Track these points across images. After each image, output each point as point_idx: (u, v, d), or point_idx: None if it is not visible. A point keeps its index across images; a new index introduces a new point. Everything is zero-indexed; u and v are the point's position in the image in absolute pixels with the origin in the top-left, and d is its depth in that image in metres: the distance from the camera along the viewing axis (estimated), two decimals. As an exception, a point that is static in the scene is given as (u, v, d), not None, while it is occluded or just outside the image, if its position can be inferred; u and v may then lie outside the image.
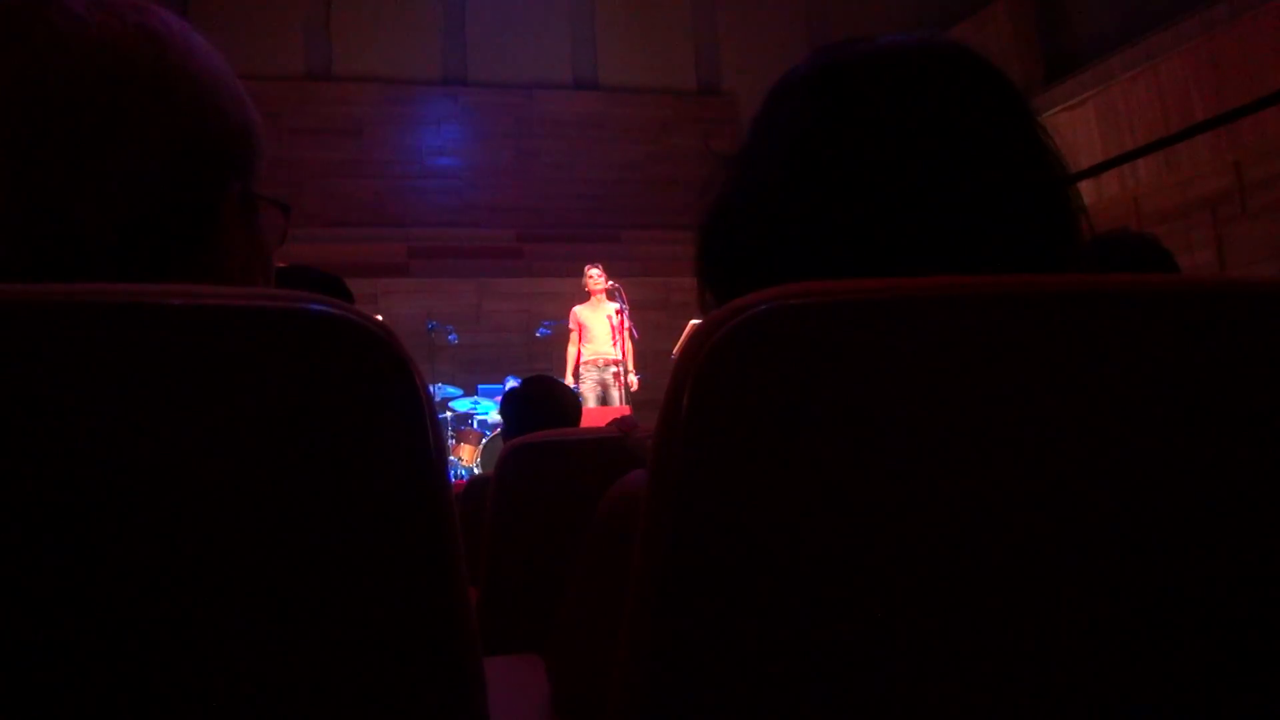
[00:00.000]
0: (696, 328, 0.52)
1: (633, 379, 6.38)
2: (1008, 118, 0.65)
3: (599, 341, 6.41)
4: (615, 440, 1.46)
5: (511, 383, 6.75)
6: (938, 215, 0.61)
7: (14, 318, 0.42)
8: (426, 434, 0.46)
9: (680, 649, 0.52)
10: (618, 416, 1.54)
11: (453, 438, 6.33)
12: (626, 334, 6.33)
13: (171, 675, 0.46)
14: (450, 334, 6.96)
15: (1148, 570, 0.55)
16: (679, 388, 0.50)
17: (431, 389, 5.03)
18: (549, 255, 8.16)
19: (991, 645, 0.53)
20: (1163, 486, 0.54)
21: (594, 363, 6.40)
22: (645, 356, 6.87)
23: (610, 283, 6.45)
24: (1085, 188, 5.81)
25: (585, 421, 2.75)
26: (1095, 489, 0.53)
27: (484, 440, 6.27)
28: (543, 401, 2.20)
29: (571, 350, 6.60)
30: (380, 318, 0.48)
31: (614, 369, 6.32)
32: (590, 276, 6.55)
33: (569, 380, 6.35)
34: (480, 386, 6.97)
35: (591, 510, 1.02)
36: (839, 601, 0.51)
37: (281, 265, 1.06)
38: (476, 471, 5.97)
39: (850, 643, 0.51)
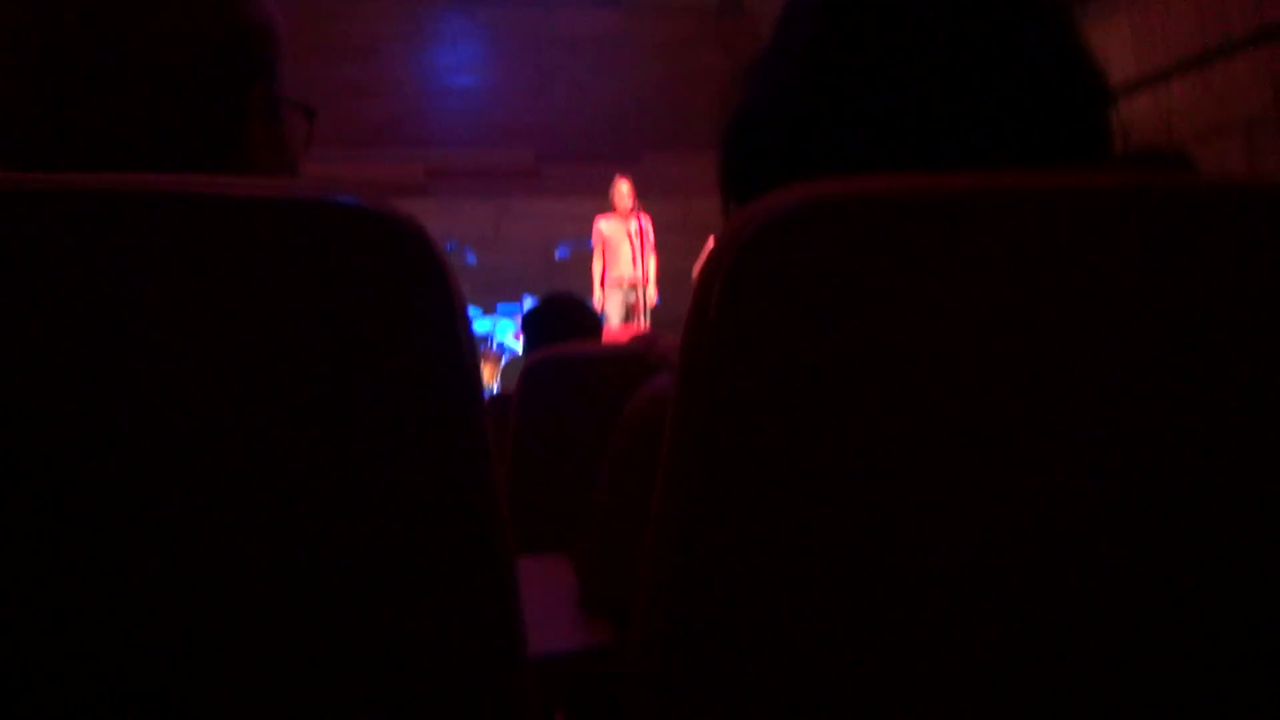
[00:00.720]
0: (725, 226, 0.52)
1: (652, 294, 6.34)
2: (1041, 14, 0.63)
3: (623, 261, 6.36)
4: (638, 355, 1.46)
5: (529, 302, 6.75)
6: (962, 115, 0.60)
7: (47, 207, 0.42)
8: (458, 326, 0.46)
9: (705, 547, 0.53)
10: (640, 333, 1.55)
11: (473, 357, 6.35)
12: (649, 253, 6.28)
13: (203, 560, 0.47)
14: (468, 255, 6.94)
15: (1184, 474, 0.55)
16: (708, 284, 0.50)
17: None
18: (568, 175, 8.08)
19: (1021, 539, 0.53)
20: (1197, 392, 0.54)
21: (617, 283, 6.36)
22: (664, 277, 6.84)
23: (635, 201, 6.36)
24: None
25: (607, 341, 2.76)
26: (1127, 392, 0.53)
27: (504, 360, 6.31)
28: (564, 318, 2.20)
29: (596, 265, 6.51)
30: None
31: (637, 290, 6.29)
32: (619, 192, 6.43)
33: (599, 294, 6.30)
34: (499, 306, 6.98)
35: (613, 424, 1.03)
36: (869, 498, 0.51)
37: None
38: (496, 391, 6.02)
39: (880, 541, 0.52)
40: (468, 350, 0.48)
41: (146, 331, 0.43)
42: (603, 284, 6.43)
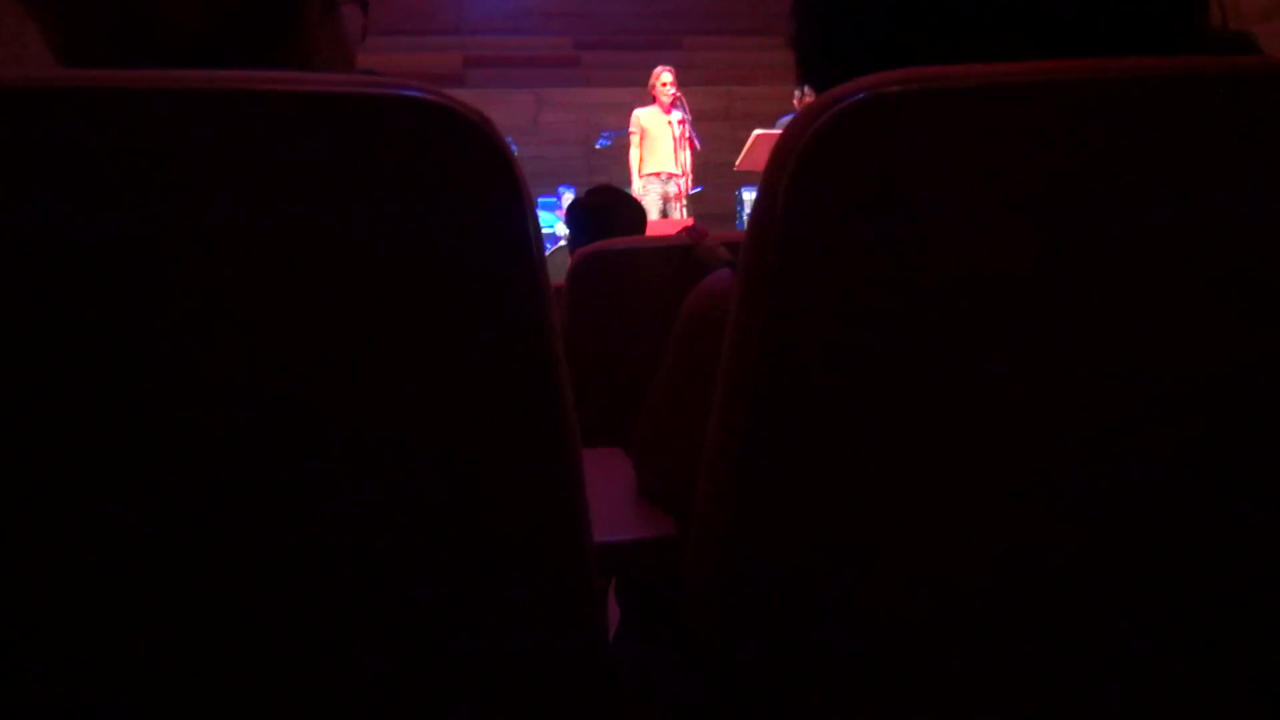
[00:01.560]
0: (794, 117, 0.51)
1: (688, 185, 6.25)
2: None
3: (661, 153, 6.25)
4: (685, 248, 1.46)
5: (566, 193, 6.68)
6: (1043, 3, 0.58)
7: (120, 102, 0.43)
8: (526, 218, 0.46)
9: (766, 445, 0.54)
10: (687, 225, 1.54)
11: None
12: (688, 144, 6.16)
13: (283, 457, 0.49)
14: (510, 145, 6.87)
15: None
16: (775, 177, 0.50)
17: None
18: (607, 64, 7.91)
19: (1090, 442, 0.53)
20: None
21: (656, 175, 6.26)
22: (706, 169, 6.73)
23: (676, 92, 6.20)
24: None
25: (648, 233, 2.74)
26: (1209, 285, 0.52)
27: (546, 252, 6.30)
28: (610, 211, 2.19)
29: (634, 154, 6.39)
30: None
31: (676, 182, 6.20)
32: (662, 83, 6.26)
33: (637, 185, 6.21)
34: (539, 199, 6.94)
35: (662, 316, 1.03)
36: (935, 396, 0.52)
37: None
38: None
39: (948, 443, 0.52)
40: (535, 242, 0.48)
41: (220, 226, 0.44)
42: (640, 174, 6.32)
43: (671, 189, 6.24)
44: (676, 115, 6.16)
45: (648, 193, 6.19)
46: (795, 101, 5.26)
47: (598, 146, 7.12)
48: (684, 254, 1.46)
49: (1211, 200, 0.51)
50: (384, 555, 0.52)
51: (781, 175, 0.49)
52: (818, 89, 0.67)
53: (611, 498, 0.77)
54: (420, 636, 0.55)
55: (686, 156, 6.21)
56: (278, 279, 0.46)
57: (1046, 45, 0.57)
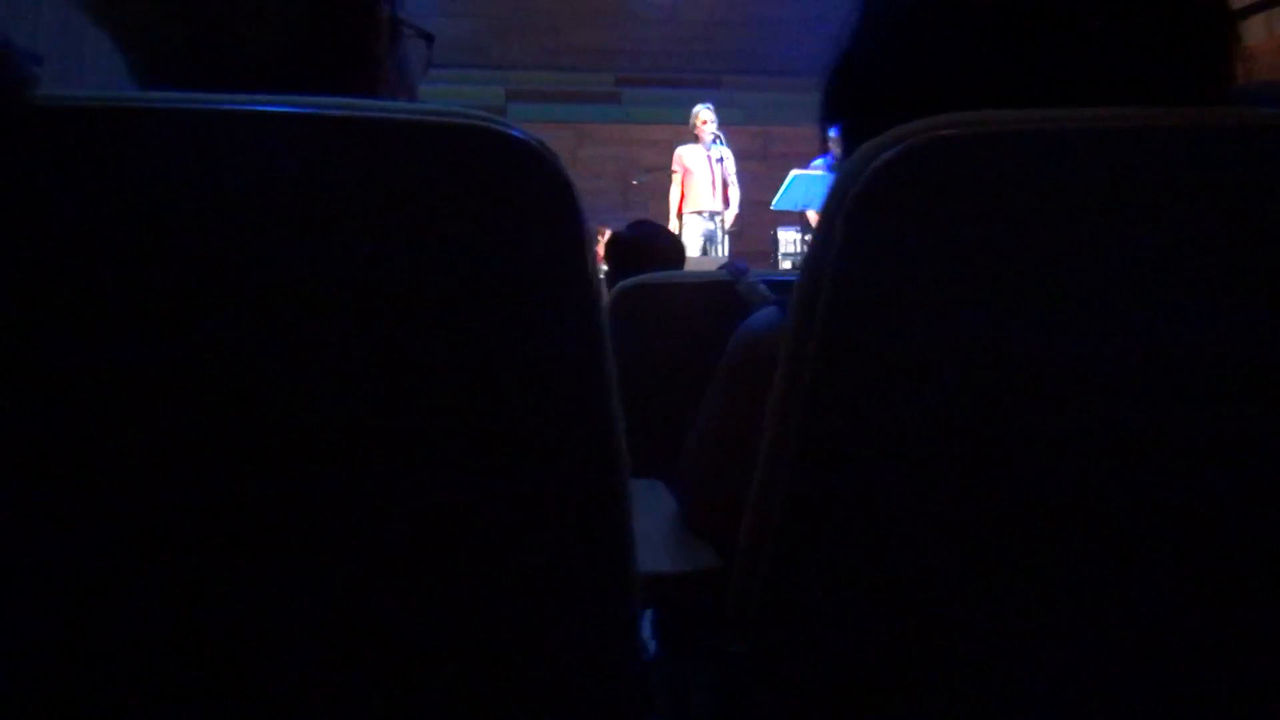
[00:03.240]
0: (851, 159, 0.51)
1: (730, 220, 6.25)
2: None
3: (702, 189, 6.27)
4: (726, 284, 1.46)
5: (608, 229, 6.71)
6: (1084, 48, 0.59)
7: (207, 125, 0.44)
8: (584, 247, 0.47)
9: (815, 482, 0.54)
10: (728, 261, 1.55)
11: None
12: (730, 183, 6.18)
13: (347, 467, 0.50)
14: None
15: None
16: (831, 218, 0.50)
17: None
18: (647, 100, 7.99)
19: (1148, 458, 0.53)
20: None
21: (698, 213, 6.28)
22: (743, 207, 6.76)
23: (716, 129, 6.23)
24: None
25: (687, 269, 2.75)
26: (1255, 331, 0.52)
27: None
28: (649, 245, 2.20)
29: (674, 193, 6.40)
30: None
31: (717, 218, 6.21)
32: (702, 120, 6.28)
33: (674, 223, 6.23)
34: (577, 234, 6.96)
35: (702, 351, 1.03)
36: (986, 434, 0.52)
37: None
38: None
39: (999, 476, 0.52)
40: (593, 272, 0.49)
41: (291, 247, 0.45)
42: (680, 212, 6.34)
43: (712, 225, 6.26)
44: (717, 153, 6.19)
45: (689, 228, 6.21)
46: (830, 143, 5.27)
47: (636, 182, 7.16)
48: (724, 289, 1.47)
49: (1261, 242, 0.51)
50: (435, 580, 0.52)
51: (838, 216, 0.50)
52: (847, 130, 0.68)
53: (654, 529, 0.78)
54: (463, 661, 0.56)
55: (729, 193, 6.20)
56: (341, 303, 0.47)
57: (1082, 96, 0.57)
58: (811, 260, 0.51)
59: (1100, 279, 0.51)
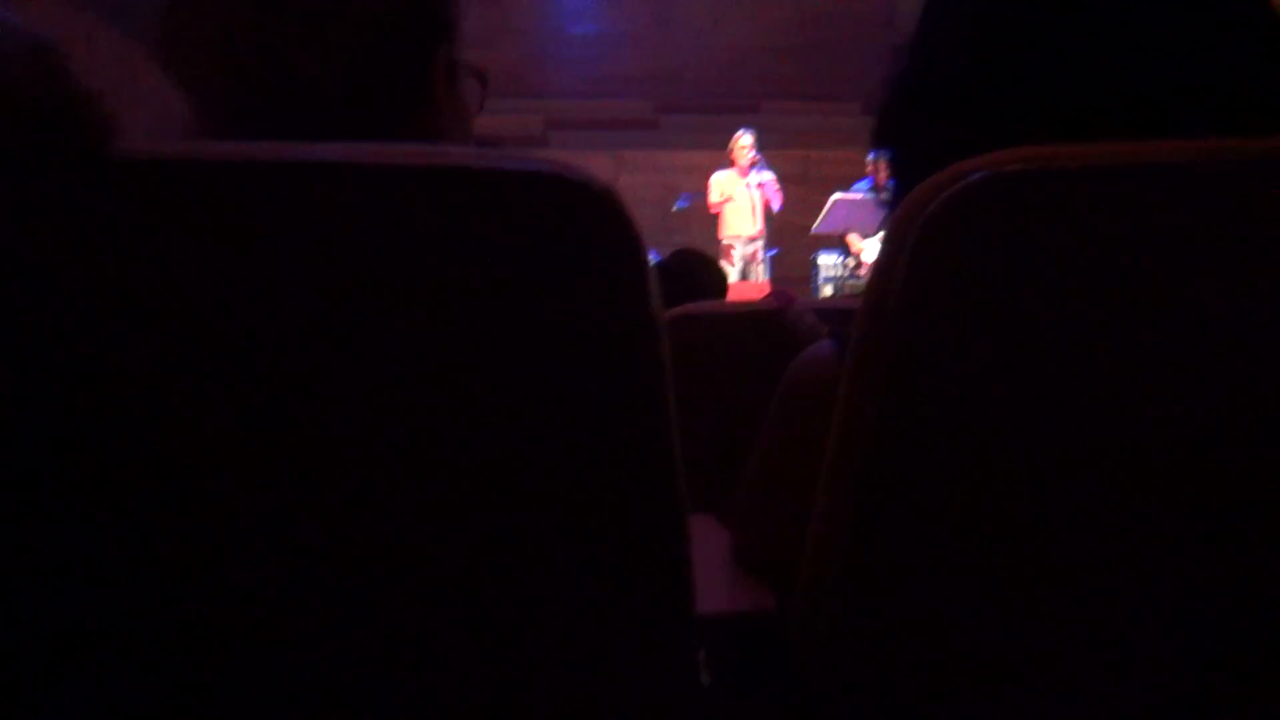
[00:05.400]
0: (911, 196, 0.51)
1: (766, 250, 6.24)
2: None
3: (741, 215, 6.27)
4: (773, 313, 1.46)
5: (650, 255, 6.72)
6: (1142, 77, 0.58)
7: (277, 174, 0.45)
8: (648, 290, 0.47)
9: (876, 519, 0.53)
10: (774, 290, 1.54)
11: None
12: (766, 208, 6.17)
13: (402, 511, 0.50)
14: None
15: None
16: (893, 255, 0.50)
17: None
18: (686, 126, 8.02)
19: (1212, 504, 0.52)
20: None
21: (737, 238, 6.29)
22: (783, 231, 6.75)
23: (755, 154, 6.23)
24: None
25: (729, 297, 2.76)
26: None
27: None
28: (693, 275, 2.21)
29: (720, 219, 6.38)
30: None
31: (755, 245, 6.21)
32: (741, 145, 6.29)
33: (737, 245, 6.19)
34: (616, 259, 6.97)
35: (750, 382, 1.03)
36: (1050, 471, 0.51)
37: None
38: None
39: (1061, 513, 0.52)
40: (657, 312, 0.49)
41: (369, 294, 0.46)
42: (722, 236, 6.34)
43: (750, 250, 6.26)
44: (754, 179, 6.19)
45: (728, 255, 6.22)
46: (869, 167, 5.26)
47: (675, 209, 7.19)
48: (771, 319, 1.47)
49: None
50: (496, 621, 0.52)
51: (901, 250, 0.49)
52: (895, 157, 0.68)
53: (708, 567, 0.77)
54: (523, 701, 0.55)
55: (776, 204, 6.15)
56: (415, 349, 0.47)
57: (1142, 126, 0.57)
58: (873, 295, 0.51)
59: (1165, 315, 0.50)
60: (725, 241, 6.30)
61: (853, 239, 6.05)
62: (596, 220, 0.46)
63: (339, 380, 0.47)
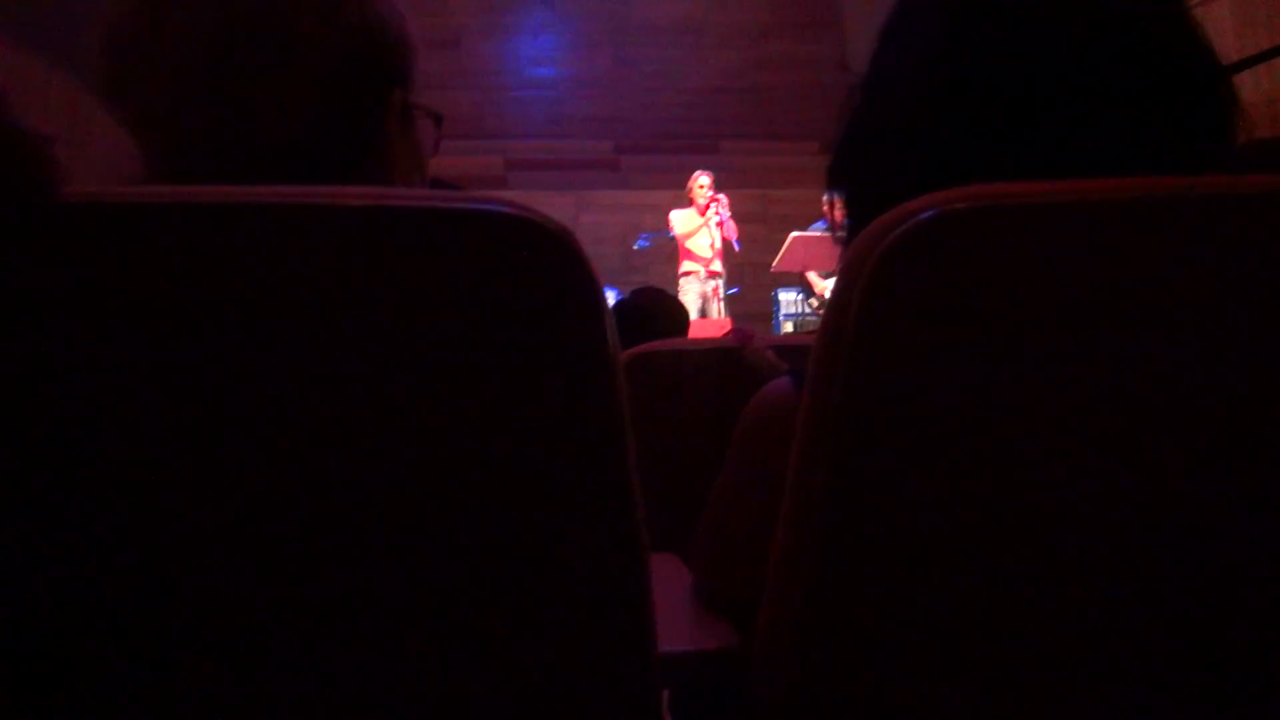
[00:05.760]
0: (862, 235, 0.52)
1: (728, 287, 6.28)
2: (1157, 8, 0.62)
3: (699, 252, 6.32)
4: (732, 350, 1.47)
5: (610, 295, 6.75)
6: (1086, 116, 0.60)
7: (226, 218, 0.45)
8: (605, 330, 0.48)
9: (835, 555, 0.53)
10: (734, 327, 1.55)
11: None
12: (724, 243, 6.22)
13: (363, 554, 0.50)
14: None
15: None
16: (846, 294, 0.51)
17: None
18: (646, 167, 8.09)
19: (1173, 542, 0.53)
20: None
21: (694, 274, 6.32)
22: (743, 269, 6.80)
23: (713, 194, 6.28)
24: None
25: (689, 334, 2.77)
26: (1261, 397, 0.52)
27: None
28: (654, 312, 2.21)
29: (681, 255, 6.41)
30: None
31: (714, 282, 6.25)
32: (700, 185, 6.35)
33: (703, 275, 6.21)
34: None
35: (710, 419, 1.03)
36: (1005, 507, 0.51)
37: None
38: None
39: (1021, 553, 0.52)
40: (614, 352, 0.49)
41: (321, 336, 0.46)
42: (680, 273, 6.38)
43: (709, 287, 6.29)
44: (715, 217, 6.24)
45: (687, 291, 6.24)
46: (825, 206, 5.32)
47: (636, 248, 7.23)
48: (731, 356, 1.47)
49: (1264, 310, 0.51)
50: (452, 662, 0.52)
51: (854, 287, 0.50)
52: (849, 196, 0.69)
53: (670, 605, 0.77)
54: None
55: (733, 231, 6.19)
56: (368, 389, 0.47)
57: (1085, 165, 0.58)
58: (827, 333, 0.52)
59: (1109, 345, 0.51)
60: (684, 276, 6.32)
61: (813, 276, 6.11)
62: (552, 260, 0.46)
63: (291, 422, 0.46)
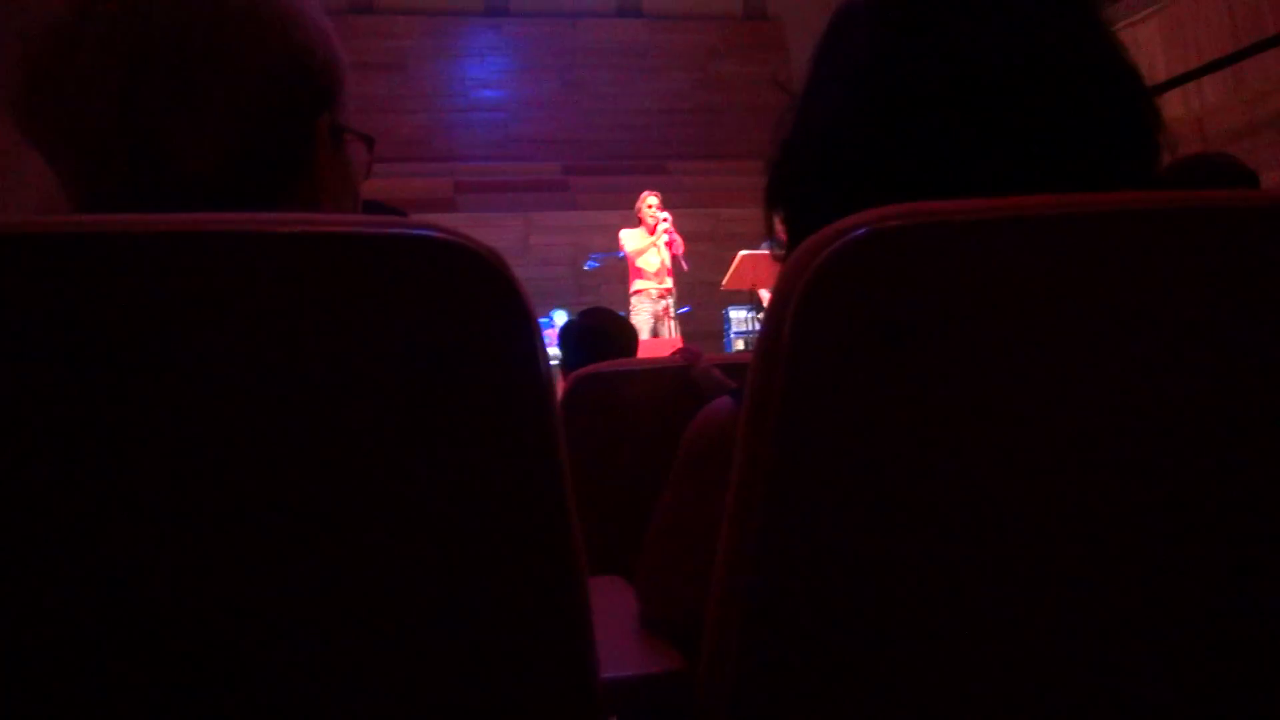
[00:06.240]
0: (796, 252, 0.52)
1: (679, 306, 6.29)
2: (1083, 29, 0.63)
3: (649, 271, 6.33)
4: (680, 370, 1.47)
5: (559, 315, 6.73)
6: (1014, 135, 0.60)
7: (134, 248, 0.43)
8: (536, 353, 0.47)
9: (776, 575, 0.53)
10: (681, 347, 1.55)
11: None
12: (674, 259, 6.23)
13: (289, 579, 0.48)
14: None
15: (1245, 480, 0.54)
16: (780, 312, 0.51)
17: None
18: (595, 188, 8.11)
19: (1110, 569, 0.53)
20: (1258, 404, 0.54)
21: (645, 293, 6.33)
22: (694, 288, 6.83)
23: (663, 214, 6.30)
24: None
25: (639, 353, 2.77)
26: (1192, 411, 0.53)
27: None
28: (603, 332, 2.21)
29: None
30: None
31: (665, 301, 6.26)
32: (648, 205, 6.36)
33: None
34: (529, 321, 6.95)
35: (658, 439, 1.02)
36: (942, 525, 0.51)
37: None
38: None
39: (956, 571, 0.52)
40: (546, 375, 0.48)
41: (244, 367, 0.44)
42: (630, 292, 6.38)
43: (660, 307, 6.30)
44: (663, 236, 6.26)
45: (638, 311, 6.25)
46: (766, 225, 5.36)
47: (586, 268, 7.23)
48: (678, 375, 1.47)
49: (1199, 323, 0.52)
50: (389, 691, 0.50)
51: (787, 308, 0.50)
52: (787, 214, 0.70)
53: (614, 630, 0.76)
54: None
55: (680, 245, 6.20)
56: (293, 421, 0.46)
57: (1016, 182, 0.59)
58: (762, 352, 0.52)
59: (1045, 363, 0.52)
60: (635, 295, 6.32)
61: (764, 294, 6.16)
62: (480, 283, 0.46)
63: (214, 454, 0.45)
